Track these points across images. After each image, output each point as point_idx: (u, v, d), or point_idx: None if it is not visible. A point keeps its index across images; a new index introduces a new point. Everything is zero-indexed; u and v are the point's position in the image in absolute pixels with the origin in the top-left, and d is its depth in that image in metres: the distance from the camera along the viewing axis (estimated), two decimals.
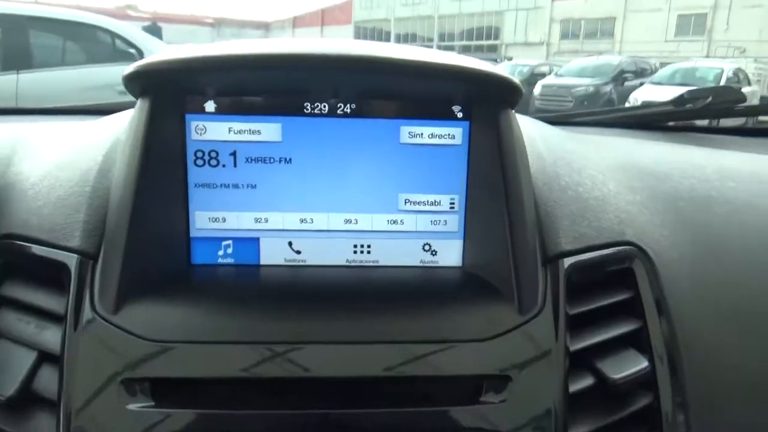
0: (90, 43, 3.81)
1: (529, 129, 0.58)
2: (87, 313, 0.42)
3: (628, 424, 0.45)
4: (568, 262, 0.47)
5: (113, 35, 3.77)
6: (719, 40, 21.28)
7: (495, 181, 0.47)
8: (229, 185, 0.48)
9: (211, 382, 0.41)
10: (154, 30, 5.33)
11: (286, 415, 0.40)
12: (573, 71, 10.15)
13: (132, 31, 3.93)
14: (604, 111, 1.03)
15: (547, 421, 0.41)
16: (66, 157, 0.52)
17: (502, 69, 0.47)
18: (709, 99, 0.90)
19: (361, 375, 0.41)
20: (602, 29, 25.66)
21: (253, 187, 0.49)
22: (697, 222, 0.57)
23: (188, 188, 0.48)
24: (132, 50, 3.79)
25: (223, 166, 0.48)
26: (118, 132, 0.53)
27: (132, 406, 0.40)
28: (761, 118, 1.17)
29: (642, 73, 10.19)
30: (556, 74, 10.43)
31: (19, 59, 3.27)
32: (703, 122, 1.03)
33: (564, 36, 27.26)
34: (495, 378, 0.42)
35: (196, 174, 0.48)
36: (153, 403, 0.40)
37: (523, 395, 0.42)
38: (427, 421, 0.41)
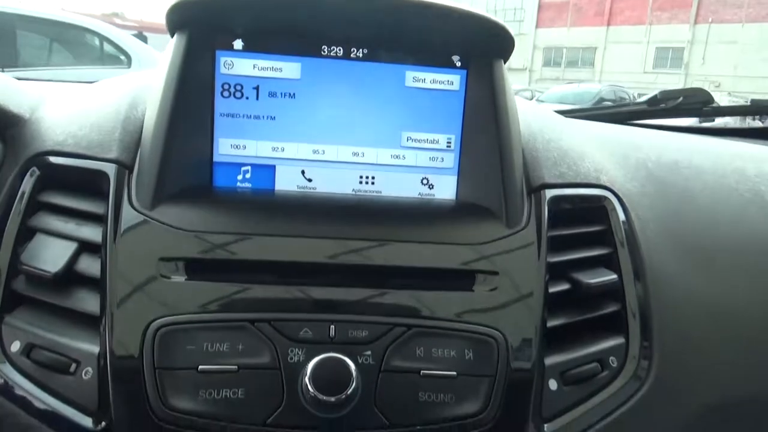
0: (78, 45, 3.81)
1: (518, 99, 0.65)
2: (126, 210, 0.47)
3: (598, 329, 0.51)
4: (549, 193, 0.54)
5: (102, 38, 3.76)
6: (696, 74, 22.04)
7: (487, 124, 0.54)
8: (250, 116, 0.54)
9: (235, 263, 0.46)
10: (139, 39, 5.35)
11: (297, 290, 0.45)
12: (554, 98, 10.45)
13: (121, 36, 3.92)
14: (580, 109, 1.11)
15: (529, 310, 0.47)
16: (96, 97, 0.58)
17: None
18: (680, 99, 0.99)
19: (365, 264, 0.47)
20: (583, 58, 26.39)
21: (272, 118, 0.54)
22: (665, 180, 0.64)
23: (214, 117, 0.53)
24: (122, 56, 3.78)
25: (247, 98, 0.54)
26: (142, 79, 0.59)
27: (170, 279, 0.45)
28: (728, 119, 1.27)
29: (620, 102, 10.49)
30: (537, 100, 10.70)
31: (5, 57, 3.27)
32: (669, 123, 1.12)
33: (546, 63, 27.96)
34: (486, 273, 0.48)
35: (222, 104, 0.54)
36: (186, 277, 0.45)
37: (509, 287, 0.48)
38: (427, 302, 0.46)
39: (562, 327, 0.50)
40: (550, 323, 0.49)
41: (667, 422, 0.50)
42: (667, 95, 0.97)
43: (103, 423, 0.43)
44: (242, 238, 0.48)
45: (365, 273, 0.47)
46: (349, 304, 0.46)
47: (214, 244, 0.47)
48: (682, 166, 0.67)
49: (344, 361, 0.42)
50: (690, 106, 0.97)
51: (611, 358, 0.50)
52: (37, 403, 0.43)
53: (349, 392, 0.41)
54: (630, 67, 23.70)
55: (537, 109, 0.66)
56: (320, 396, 0.40)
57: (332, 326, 0.44)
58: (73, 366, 0.44)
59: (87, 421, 0.43)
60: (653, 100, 0.97)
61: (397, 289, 0.47)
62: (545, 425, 0.46)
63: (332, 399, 0.41)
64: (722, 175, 0.68)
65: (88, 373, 0.44)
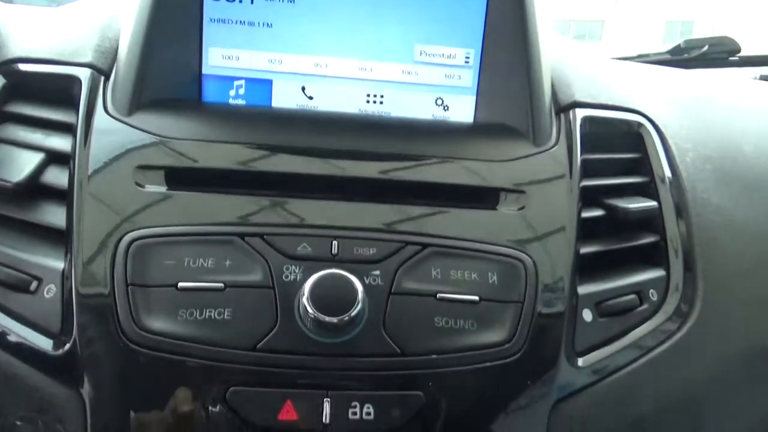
0: None
1: None
2: (100, 116, 0.42)
3: (636, 261, 0.45)
4: (580, 113, 0.48)
5: None
6: None
7: (511, 37, 0.48)
8: (244, 22, 0.48)
9: (223, 174, 0.40)
10: None
11: (294, 203, 0.40)
12: None
13: None
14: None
15: (560, 233, 0.41)
16: (72, 7, 0.52)
17: None
18: (705, 48, 0.92)
19: (374, 177, 0.41)
20: (591, 32, 26.04)
21: (269, 26, 0.48)
22: (702, 112, 0.58)
23: (203, 22, 0.47)
24: None
25: (240, 1, 0.48)
26: None
27: (146, 188, 0.39)
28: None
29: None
30: None
31: None
32: None
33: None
34: (511, 191, 0.42)
35: (212, 8, 0.47)
36: (166, 188, 0.39)
37: (537, 207, 0.42)
38: (444, 220, 0.40)
39: (597, 255, 0.44)
40: (584, 250, 0.43)
41: (709, 362, 0.44)
42: (690, 44, 0.91)
43: (66, 346, 0.36)
44: (233, 148, 0.41)
45: (373, 187, 0.41)
46: (354, 220, 0.39)
47: (200, 152, 0.41)
48: (718, 100, 0.61)
49: (348, 278, 0.35)
50: (716, 56, 0.90)
51: (651, 291, 0.44)
52: None
53: (353, 314, 0.34)
54: (640, 40, 23.46)
55: (561, 39, 0.60)
56: (320, 316, 0.34)
57: (335, 242, 0.38)
58: (34, 284, 0.38)
59: (47, 344, 0.37)
60: (676, 50, 0.91)
61: (410, 205, 0.40)
62: (579, 359, 0.40)
63: (334, 320, 0.34)
64: (762, 109, 0.62)
65: (50, 291, 0.38)
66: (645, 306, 0.44)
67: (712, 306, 0.44)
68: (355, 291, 0.35)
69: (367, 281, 0.37)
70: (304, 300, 0.35)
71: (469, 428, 0.37)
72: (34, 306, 0.38)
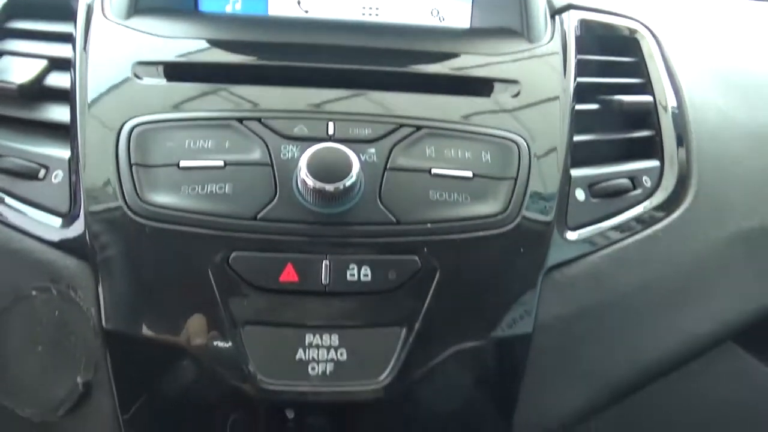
0: None
1: None
2: (98, 21, 0.43)
3: (631, 155, 0.46)
4: (575, 15, 0.49)
5: None
6: None
7: None
8: None
9: (221, 67, 0.42)
10: None
11: (291, 91, 0.41)
12: None
13: None
14: None
15: (553, 118, 0.42)
16: None
17: None
18: None
19: (369, 69, 0.42)
20: None
21: None
22: (701, 28, 0.58)
23: None
24: None
25: None
26: None
27: (146, 81, 0.40)
28: None
29: None
30: None
31: None
32: None
33: None
34: (505, 81, 0.43)
35: None
36: (165, 80, 0.40)
37: (532, 96, 0.43)
38: (439, 104, 0.41)
39: (591, 145, 0.45)
40: (578, 138, 0.44)
41: (701, 244, 0.44)
42: None
43: (75, 223, 0.38)
44: (230, 45, 0.43)
45: (369, 77, 0.42)
46: (350, 104, 0.41)
47: (198, 48, 0.42)
48: (717, 14, 0.62)
49: (343, 150, 0.37)
50: None
51: (645, 177, 0.45)
52: (2, 209, 0.39)
53: (348, 183, 0.35)
54: None
55: None
56: (317, 184, 0.35)
57: (331, 123, 0.39)
58: (42, 171, 0.40)
59: (56, 222, 0.38)
60: None
61: (405, 92, 0.41)
62: (571, 232, 0.41)
63: (330, 188, 0.35)
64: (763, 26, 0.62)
65: (57, 176, 0.39)
66: (638, 191, 0.44)
67: (707, 191, 0.45)
68: (350, 162, 0.36)
69: (362, 158, 0.38)
70: (302, 171, 0.36)
71: (462, 291, 0.37)
72: (43, 191, 0.39)
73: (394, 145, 0.39)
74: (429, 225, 0.37)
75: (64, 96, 0.42)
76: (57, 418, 0.36)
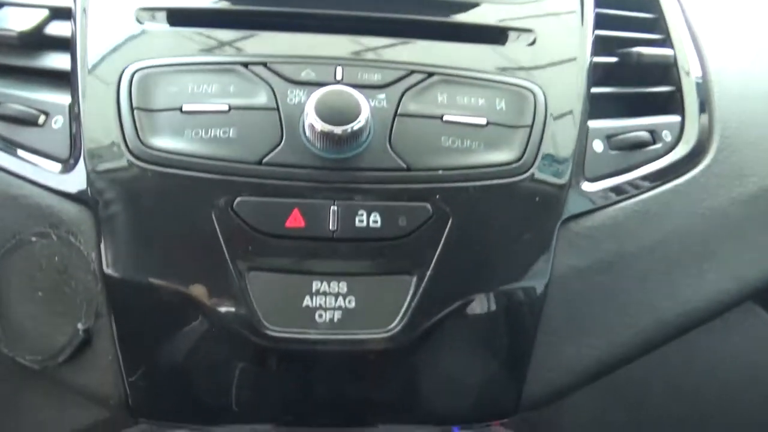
0: None
1: None
2: None
3: (651, 109, 0.44)
4: None
5: None
6: None
7: None
8: None
9: (226, 13, 0.41)
10: None
11: (298, 36, 0.39)
12: None
13: None
14: None
15: (570, 68, 0.40)
16: None
17: None
18: None
19: (380, 16, 0.40)
20: None
21: None
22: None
23: None
24: None
25: None
26: None
27: (149, 26, 0.39)
28: None
29: None
30: None
31: None
32: None
33: None
34: (520, 30, 0.41)
35: None
36: (168, 25, 0.39)
37: (548, 46, 0.41)
38: (452, 52, 0.40)
39: (610, 98, 0.43)
40: (596, 90, 0.42)
41: (722, 200, 0.42)
42: None
43: (75, 168, 0.37)
44: None
45: (380, 23, 0.41)
46: (360, 50, 0.39)
47: None
48: None
49: (352, 93, 0.35)
50: None
51: (665, 132, 0.43)
52: (1, 156, 0.38)
53: (357, 126, 0.34)
54: None
55: None
56: (324, 127, 0.34)
57: (339, 68, 0.38)
58: (42, 117, 0.38)
59: (56, 167, 0.37)
60: None
61: (417, 39, 0.40)
62: (588, 183, 0.39)
63: (338, 131, 0.34)
64: None
65: (58, 122, 0.38)
66: (658, 145, 0.42)
67: (729, 147, 0.43)
68: (359, 105, 0.34)
69: (372, 104, 0.36)
70: (309, 115, 0.34)
71: (475, 240, 0.36)
72: (43, 137, 0.38)
73: (405, 90, 0.38)
74: (441, 172, 0.36)
75: (65, 45, 0.40)
76: (57, 366, 0.35)
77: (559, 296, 0.37)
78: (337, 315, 0.35)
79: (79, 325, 0.35)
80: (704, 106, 0.45)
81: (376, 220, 0.35)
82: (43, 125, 0.38)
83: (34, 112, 0.39)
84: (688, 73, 0.46)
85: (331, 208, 0.35)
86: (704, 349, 0.44)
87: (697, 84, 0.46)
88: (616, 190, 0.40)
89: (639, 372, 0.41)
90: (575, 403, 0.41)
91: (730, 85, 0.46)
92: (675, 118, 0.44)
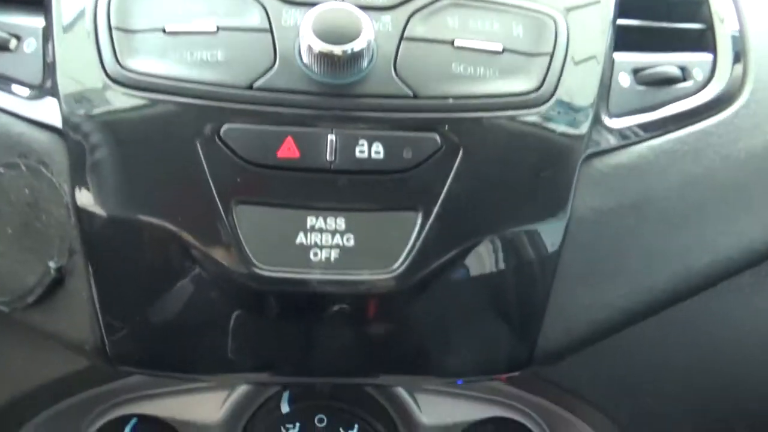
0: None
1: None
2: None
3: (681, 46, 0.40)
4: None
5: None
6: None
7: None
8: None
9: None
10: None
11: None
12: None
13: None
14: None
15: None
16: None
17: None
18: None
19: None
20: None
21: None
22: None
23: None
24: None
25: None
26: None
27: None
28: None
29: None
30: None
31: None
32: None
33: None
34: None
35: None
36: None
37: None
38: None
39: (637, 30, 0.39)
40: (623, 21, 0.38)
41: (757, 143, 0.38)
42: None
43: (47, 95, 0.33)
44: None
45: None
46: None
47: None
48: None
49: (353, 12, 0.31)
50: None
51: (696, 69, 0.39)
52: None
53: (358, 47, 0.30)
54: None
55: None
56: (323, 46, 0.30)
57: None
58: (14, 42, 0.35)
59: (26, 92, 0.34)
60: None
61: None
62: (613, 119, 0.36)
63: (337, 51, 0.30)
64: None
65: (30, 45, 0.35)
66: (689, 83, 0.39)
67: (765, 89, 0.39)
68: (360, 23, 0.31)
69: (376, 27, 0.33)
70: (305, 34, 0.31)
71: (488, 175, 0.33)
72: (14, 62, 0.35)
73: (413, 13, 0.34)
74: (451, 100, 0.32)
75: None
76: (27, 307, 0.32)
77: (579, 239, 0.34)
78: (334, 254, 0.31)
79: (51, 263, 0.32)
80: (738, 44, 0.41)
81: (378, 150, 0.32)
82: (14, 50, 0.35)
83: (5, 35, 0.35)
84: (720, 11, 0.42)
85: (329, 137, 0.31)
86: (733, 307, 0.40)
87: (730, 22, 0.42)
88: (643, 127, 0.36)
89: (662, 328, 0.38)
90: (590, 360, 0.37)
91: (766, 26, 0.43)
92: (707, 56, 0.40)
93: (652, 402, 0.40)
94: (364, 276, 0.31)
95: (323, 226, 0.31)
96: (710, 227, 0.37)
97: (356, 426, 0.43)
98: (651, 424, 0.41)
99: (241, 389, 0.44)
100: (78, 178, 0.32)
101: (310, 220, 0.31)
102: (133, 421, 0.44)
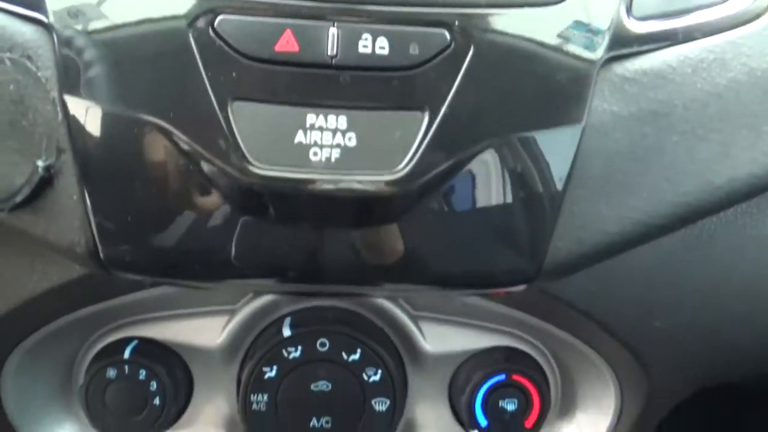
0: None
1: None
2: None
3: None
4: None
5: None
6: None
7: None
8: None
9: None
10: None
11: None
12: None
13: None
14: None
15: None
16: None
17: None
18: None
19: None
20: None
21: None
22: None
23: None
24: None
25: None
26: None
27: None
28: None
29: None
30: None
31: None
32: None
33: None
34: None
35: None
36: None
37: None
38: None
39: None
40: None
41: None
42: None
43: None
44: None
45: None
46: None
47: None
48: None
49: None
50: None
51: None
52: None
53: None
54: None
55: None
56: None
57: None
58: None
59: None
60: None
61: None
62: (633, 20, 0.33)
63: None
64: None
65: None
66: None
67: None
68: None
69: None
70: None
71: (500, 74, 0.30)
72: None
73: None
74: None
75: None
76: (15, 208, 0.31)
77: (596, 146, 0.32)
78: (335, 153, 0.30)
79: (39, 162, 0.30)
80: None
81: (383, 46, 0.29)
82: None
83: None
84: None
85: (330, 30, 0.29)
86: (755, 229, 0.38)
87: None
88: (668, 33, 0.34)
89: (680, 249, 0.37)
90: (603, 279, 0.36)
91: None
92: None
93: (666, 327, 0.38)
94: (366, 177, 0.30)
95: (323, 124, 0.29)
96: (733, 141, 0.34)
97: (359, 350, 0.42)
98: (663, 352, 0.40)
99: (243, 314, 0.44)
100: (66, 73, 0.30)
101: (310, 118, 0.29)
102: (134, 343, 0.43)
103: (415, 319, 0.45)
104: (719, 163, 0.34)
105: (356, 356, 0.43)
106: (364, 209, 0.31)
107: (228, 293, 0.43)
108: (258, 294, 0.43)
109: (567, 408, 0.48)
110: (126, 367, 0.43)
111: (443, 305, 0.44)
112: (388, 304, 0.43)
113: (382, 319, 0.44)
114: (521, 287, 0.34)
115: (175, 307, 0.44)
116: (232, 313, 0.44)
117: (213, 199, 0.31)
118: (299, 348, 0.42)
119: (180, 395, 0.44)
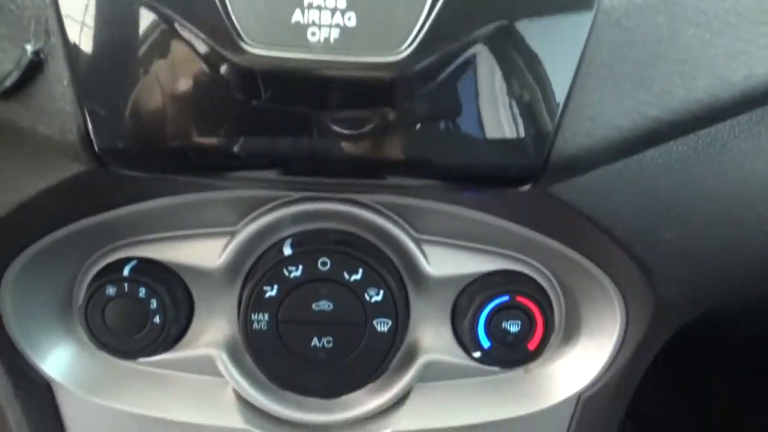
0: None
1: None
2: None
3: None
4: None
5: None
6: None
7: None
8: None
9: None
10: None
11: None
12: None
13: None
14: None
15: None
16: None
17: None
18: None
19: None
20: None
21: None
22: None
23: None
24: None
25: None
26: None
27: None
28: None
29: None
30: None
31: None
32: None
33: None
34: None
35: None
36: None
37: None
38: None
39: None
40: None
41: None
42: None
43: None
44: None
45: None
46: None
47: None
48: None
49: None
50: None
51: None
52: None
53: None
54: None
55: None
56: None
57: None
58: None
59: None
60: None
61: None
62: None
63: None
64: None
65: None
66: None
67: None
68: None
69: None
70: None
71: None
72: None
73: None
74: None
75: None
76: (6, 94, 0.30)
77: (606, 34, 0.30)
78: (334, 34, 0.28)
79: (28, 47, 0.29)
80: None
81: None
82: None
83: None
84: None
85: None
86: None
87: None
88: None
89: (692, 153, 0.35)
90: (611, 183, 0.35)
91: None
92: None
93: (675, 239, 0.37)
94: (367, 58, 0.28)
95: (322, 3, 0.28)
96: (750, 38, 0.33)
97: (361, 270, 0.41)
98: (671, 265, 0.39)
99: (243, 235, 0.43)
100: None
101: None
102: (133, 262, 0.43)
103: (417, 242, 0.44)
104: (735, 60, 0.33)
105: (358, 276, 0.42)
106: (363, 93, 0.30)
107: (229, 208, 0.42)
108: (258, 216, 0.42)
109: (571, 333, 0.47)
110: (125, 285, 0.42)
111: (446, 227, 0.43)
112: (391, 226, 0.43)
113: (384, 241, 0.44)
114: (527, 186, 0.33)
115: (175, 228, 0.44)
116: (233, 234, 0.43)
117: (208, 83, 0.30)
118: (300, 267, 0.42)
119: (181, 315, 0.44)
